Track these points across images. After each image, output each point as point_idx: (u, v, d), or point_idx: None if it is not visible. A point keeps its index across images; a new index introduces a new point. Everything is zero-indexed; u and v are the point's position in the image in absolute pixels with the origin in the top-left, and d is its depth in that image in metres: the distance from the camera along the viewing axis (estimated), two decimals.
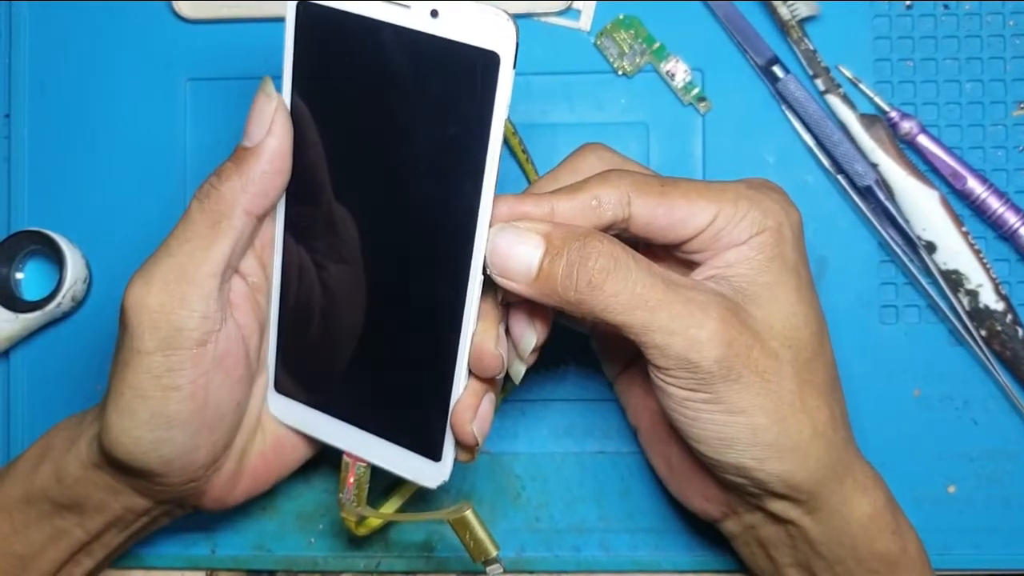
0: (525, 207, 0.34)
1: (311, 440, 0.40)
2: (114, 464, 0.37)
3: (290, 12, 0.35)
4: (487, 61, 0.31)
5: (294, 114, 0.36)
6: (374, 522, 0.42)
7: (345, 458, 0.39)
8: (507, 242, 0.33)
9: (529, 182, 0.45)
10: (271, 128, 0.35)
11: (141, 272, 0.35)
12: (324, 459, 0.46)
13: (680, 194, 0.34)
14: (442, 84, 0.32)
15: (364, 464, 0.39)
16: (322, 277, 0.37)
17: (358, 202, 0.36)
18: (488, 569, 0.37)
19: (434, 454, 0.37)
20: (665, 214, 0.34)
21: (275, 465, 0.41)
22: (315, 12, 0.34)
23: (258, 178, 0.35)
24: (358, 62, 0.34)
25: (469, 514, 0.37)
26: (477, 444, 0.36)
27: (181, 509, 0.41)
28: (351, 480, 0.39)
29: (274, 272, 0.38)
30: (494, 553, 0.37)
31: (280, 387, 0.39)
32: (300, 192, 0.36)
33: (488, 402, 0.36)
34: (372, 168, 0.35)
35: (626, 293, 0.32)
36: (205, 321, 0.35)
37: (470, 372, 0.35)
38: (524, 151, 0.45)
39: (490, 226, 0.33)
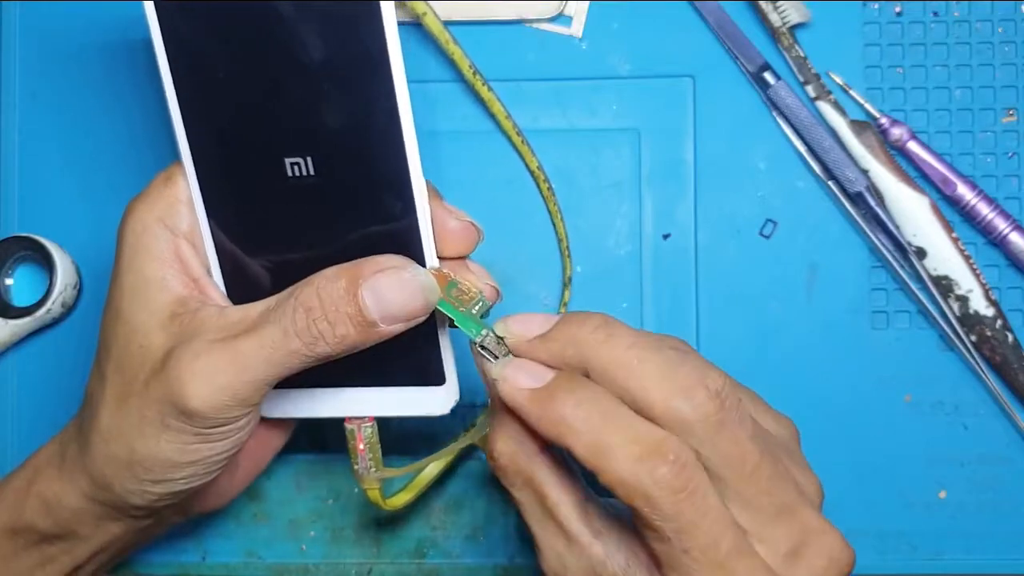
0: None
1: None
2: (114, 498, 0.36)
3: (150, 11, 0.33)
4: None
5: (185, 100, 0.34)
6: (402, 497, 0.41)
7: (348, 426, 0.37)
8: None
9: (525, 163, 0.45)
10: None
11: (211, 370, 0.33)
12: (315, 466, 0.46)
13: None
14: (324, 12, 0.32)
15: (370, 423, 0.37)
16: (263, 244, 0.36)
17: (274, 150, 0.34)
18: None
19: (437, 379, 0.36)
20: None
21: (267, 444, 0.40)
22: (175, 7, 0.33)
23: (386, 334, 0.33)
24: (234, 29, 0.33)
25: None
26: (499, 295, 0.36)
27: (183, 516, 0.40)
28: (361, 446, 0.37)
29: (211, 263, 0.36)
30: None
31: None
32: (213, 167, 0.35)
33: (471, 262, 0.36)
34: (283, 112, 0.34)
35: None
36: (257, 408, 0.34)
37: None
38: (519, 134, 0.45)
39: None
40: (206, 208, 0.36)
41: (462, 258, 0.36)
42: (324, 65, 0.33)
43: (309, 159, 0.34)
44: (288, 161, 0.34)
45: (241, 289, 0.37)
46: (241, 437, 0.35)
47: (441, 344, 0.36)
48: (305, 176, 0.34)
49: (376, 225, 0.35)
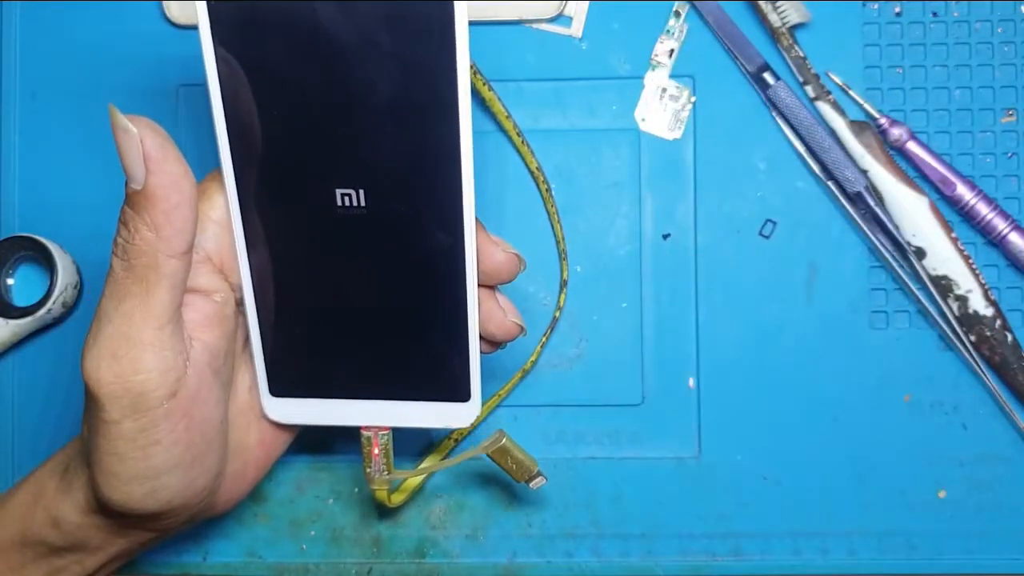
0: None
1: None
2: (115, 513, 0.36)
3: (202, 13, 0.32)
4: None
5: (233, 116, 0.33)
6: (399, 496, 0.42)
7: (364, 433, 0.38)
8: None
9: (525, 163, 0.45)
10: (149, 166, 0.32)
11: (89, 343, 0.33)
12: (316, 467, 0.46)
13: None
14: (392, 36, 0.31)
15: (386, 431, 0.38)
16: (301, 267, 0.35)
17: (325, 180, 0.34)
18: (532, 484, 0.40)
19: (463, 395, 0.36)
20: None
21: (277, 443, 0.40)
22: (230, 7, 0.32)
23: (163, 220, 0.32)
24: (294, 46, 0.32)
25: (507, 442, 0.39)
26: (523, 331, 0.37)
27: (192, 523, 0.39)
28: (376, 451, 0.38)
29: (244, 280, 0.36)
30: (535, 469, 0.40)
31: (276, 390, 0.38)
32: (257, 189, 0.34)
33: (500, 294, 0.36)
34: (338, 140, 0.33)
35: None
36: (167, 375, 0.33)
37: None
38: (519, 134, 0.45)
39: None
40: (244, 230, 0.35)
41: (493, 287, 0.36)
42: (388, 85, 0.32)
43: (361, 191, 0.34)
44: (339, 192, 0.34)
45: (273, 316, 0.36)
46: (168, 447, 0.34)
47: (471, 363, 0.36)
48: (354, 207, 0.34)
49: (419, 255, 0.34)
